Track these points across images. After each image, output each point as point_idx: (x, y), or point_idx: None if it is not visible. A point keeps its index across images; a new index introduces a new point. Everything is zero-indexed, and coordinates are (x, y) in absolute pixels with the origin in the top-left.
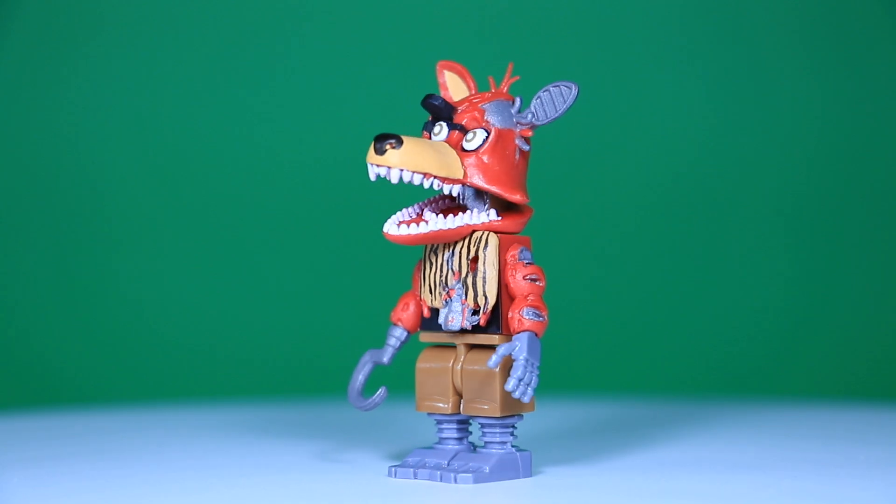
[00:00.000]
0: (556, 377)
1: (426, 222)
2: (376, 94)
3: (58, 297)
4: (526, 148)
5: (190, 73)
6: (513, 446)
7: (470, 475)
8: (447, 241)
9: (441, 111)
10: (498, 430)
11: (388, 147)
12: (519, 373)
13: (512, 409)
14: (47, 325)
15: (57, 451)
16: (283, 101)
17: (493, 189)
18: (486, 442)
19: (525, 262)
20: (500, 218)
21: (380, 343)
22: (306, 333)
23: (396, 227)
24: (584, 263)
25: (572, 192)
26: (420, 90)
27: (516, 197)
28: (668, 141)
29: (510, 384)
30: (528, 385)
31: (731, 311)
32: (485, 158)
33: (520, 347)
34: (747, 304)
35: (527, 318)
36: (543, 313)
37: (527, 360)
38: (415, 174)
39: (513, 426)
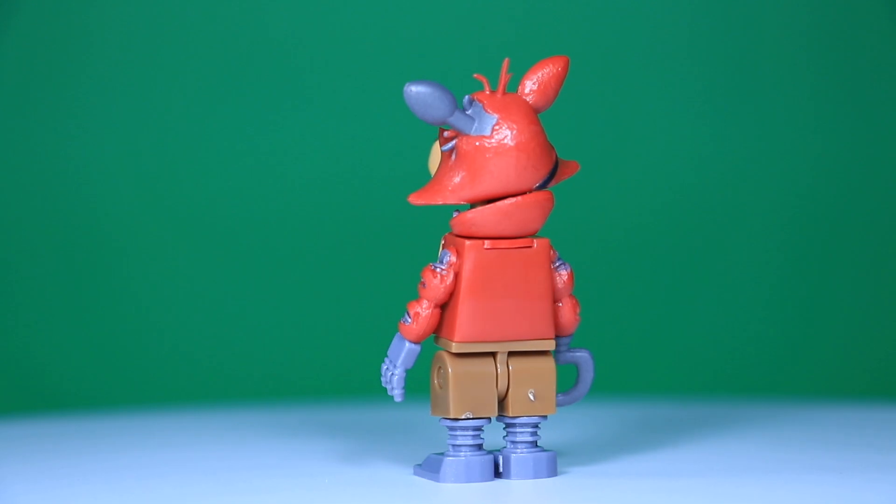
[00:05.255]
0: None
1: None
2: (378, 96)
3: (60, 301)
4: (444, 149)
5: (193, 76)
6: (460, 447)
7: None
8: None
9: None
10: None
11: None
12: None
13: (437, 410)
14: (49, 330)
15: (62, 456)
16: (284, 104)
17: None
18: None
19: (432, 264)
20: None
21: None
22: (314, 335)
23: None
24: (584, 263)
25: (572, 191)
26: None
27: (411, 196)
28: (668, 142)
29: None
30: (388, 383)
31: (736, 312)
32: None
33: None
34: (753, 304)
35: (401, 319)
36: (412, 317)
37: (386, 359)
38: None
39: (450, 428)
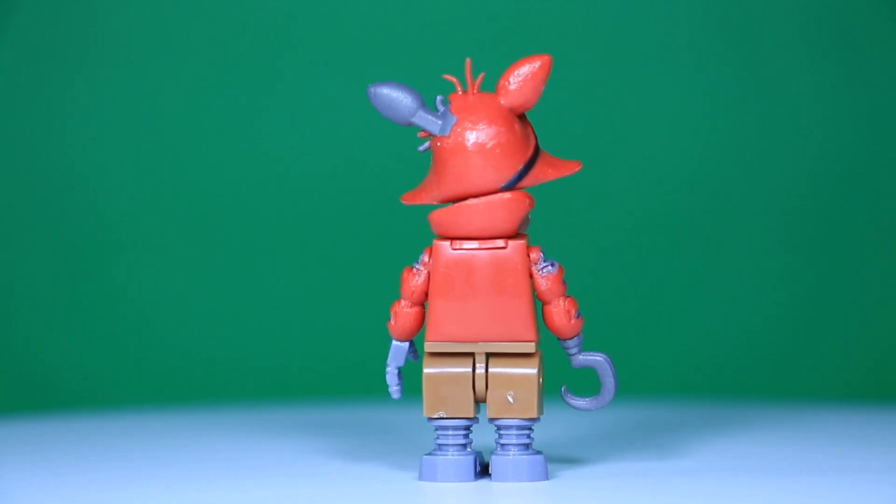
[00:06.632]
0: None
1: None
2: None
3: (61, 301)
4: (420, 149)
5: (190, 75)
6: (443, 447)
7: None
8: None
9: None
10: None
11: None
12: None
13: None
14: (49, 330)
15: (62, 456)
16: (282, 105)
17: None
18: None
19: (415, 263)
20: None
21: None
22: (312, 335)
23: None
24: (586, 265)
25: (572, 193)
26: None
27: (402, 196)
28: (669, 142)
29: None
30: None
31: (736, 312)
32: None
33: None
34: (753, 305)
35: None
36: (392, 315)
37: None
38: None
39: (435, 427)
